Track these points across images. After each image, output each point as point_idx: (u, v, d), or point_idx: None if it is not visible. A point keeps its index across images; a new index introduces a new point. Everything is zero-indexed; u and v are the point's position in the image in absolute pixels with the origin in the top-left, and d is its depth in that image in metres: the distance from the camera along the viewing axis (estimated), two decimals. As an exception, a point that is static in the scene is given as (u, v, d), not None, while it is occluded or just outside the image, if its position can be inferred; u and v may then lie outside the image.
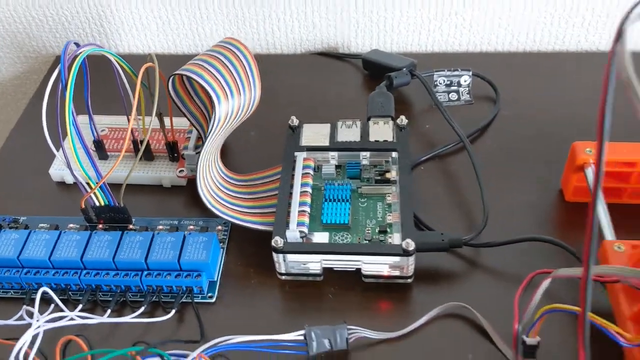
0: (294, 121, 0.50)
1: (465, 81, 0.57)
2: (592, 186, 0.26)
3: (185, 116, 0.47)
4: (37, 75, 0.71)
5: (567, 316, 0.40)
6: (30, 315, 0.40)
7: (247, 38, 0.65)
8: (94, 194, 0.44)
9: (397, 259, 0.42)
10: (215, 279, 0.44)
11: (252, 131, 0.55)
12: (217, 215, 0.45)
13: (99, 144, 0.52)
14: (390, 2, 0.61)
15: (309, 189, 0.46)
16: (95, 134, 0.51)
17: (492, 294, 0.42)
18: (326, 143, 0.49)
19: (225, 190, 0.47)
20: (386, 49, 0.63)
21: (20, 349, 0.35)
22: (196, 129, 0.47)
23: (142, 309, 0.42)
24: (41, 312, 0.41)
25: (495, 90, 0.57)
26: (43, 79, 0.66)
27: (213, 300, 0.44)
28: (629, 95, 0.23)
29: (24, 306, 0.41)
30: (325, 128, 0.50)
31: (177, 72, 0.44)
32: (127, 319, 0.42)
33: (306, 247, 0.42)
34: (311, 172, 0.47)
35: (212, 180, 0.46)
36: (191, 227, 0.47)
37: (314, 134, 0.50)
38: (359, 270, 0.43)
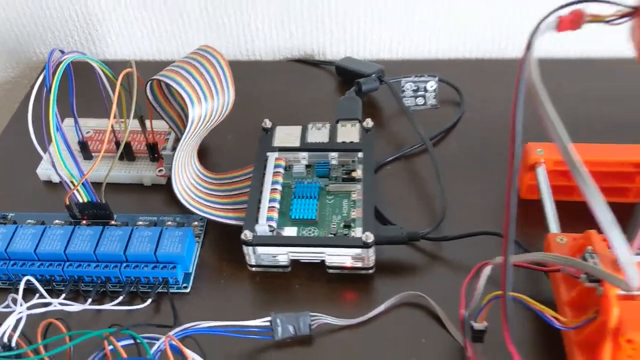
0: (267, 123, 0.53)
1: (431, 87, 0.60)
2: (511, 180, 0.29)
3: (163, 119, 0.51)
4: (28, 80, 0.74)
5: (513, 302, 0.43)
6: (15, 302, 0.43)
7: (227, 45, 0.68)
8: (77, 190, 0.47)
9: (358, 250, 0.45)
10: (190, 271, 0.48)
11: (229, 133, 0.58)
12: (192, 212, 0.48)
13: (83, 145, 0.55)
14: (363, 12, 0.65)
15: (279, 187, 0.49)
16: (80, 135, 0.54)
17: (447, 284, 0.45)
18: (297, 144, 0.52)
19: (200, 188, 0.50)
20: (358, 56, 0.66)
21: (5, 332, 0.38)
22: (173, 130, 0.51)
23: (120, 298, 0.45)
24: (27, 301, 0.44)
25: (460, 95, 0.61)
26: (33, 84, 0.69)
27: (188, 290, 0.47)
28: (534, 99, 0.27)
29: (10, 295, 0.44)
30: (297, 130, 0.53)
31: (154, 77, 0.47)
32: (106, 306, 0.45)
33: (273, 240, 0.45)
34: (282, 171, 0.50)
35: (187, 178, 0.49)
36: (169, 222, 0.50)
37: (286, 135, 0.53)
38: (324, 262, 0.46)
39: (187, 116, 0.47)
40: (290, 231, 0.47)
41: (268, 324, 0.42)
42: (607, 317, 0.35)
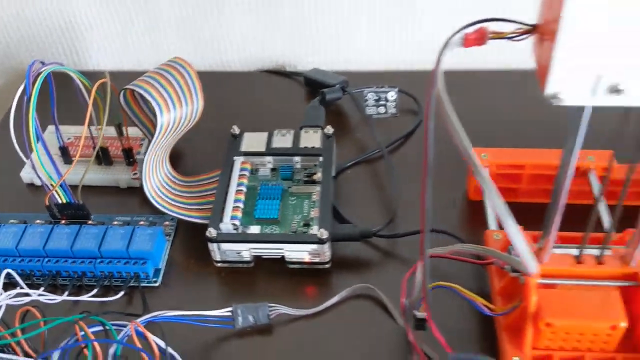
0: (235, 130, 0.57)
1: (392, 97, 0.64)
2: (425, 183, 0.33)
3: (137, 125, 0.54)
4: (16, 89, 0.78)
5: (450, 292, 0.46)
6: (-4, 293, 0.47)
7: (203, 56, 0.72)
8: (56, 191, 0.51)
9: (314, 246, 0.49)
10: (160, 266, 0.51)
11: (203, 138, 0.62)
12: (161, 211, 0.52)
13: (64, 150, 0.58)
14: (330, 27, 0.69)
15: (243, 188, 0.53)
16: (60, 141, 0.58)
17: (397, 277, 0.48)
18: (262, 149, 0.56)
19: (170, 190, 0.53)
20: (326, 68, 0.70)
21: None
22: (146, 136, 0.54)
23: (95, 291, 0.49)
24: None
25: (418, 104, 0.65)
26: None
27: (157, 284, 0.50)
28: (441, 110, 0.31)
29: (-9, 287, 0.48)
30: (263, 136, 0.57)
31: (127, 87, 0.51)
32: (82, 298, 0.49)
33: (236, 237, 0.49)
34: (247, 174, 0.54)
35: (158, 180, 0.53)
36: (142, 222, 0.54)
37: (253, 141, 0.57)
38: (284, 257, 0.50)
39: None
40: (254, 229, 0.51)
41: (229, 314, 0.46)
42: (527, 303, 0.38)
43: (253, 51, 0.72)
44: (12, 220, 0.55)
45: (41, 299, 0.48)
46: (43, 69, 0.49)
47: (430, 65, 0.31)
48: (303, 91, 0.69)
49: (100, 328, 0.42)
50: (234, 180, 0.53)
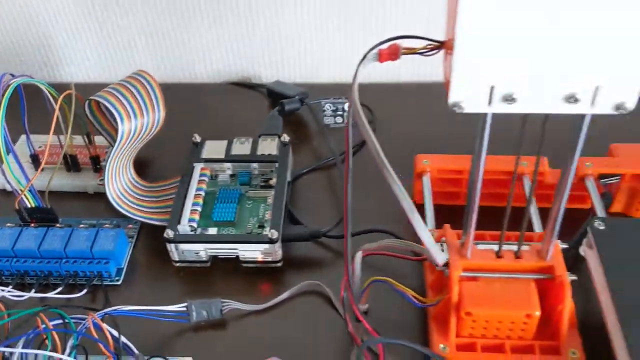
0: (197, 138, 0.61)
1: (348, 107, 0.68)
2: (347, 188, 0.37)
3: (102, 134, 0.58)
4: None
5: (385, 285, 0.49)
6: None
7: (172, 69, 0.76)
8: (25, 196, 0.54)
9: (266, 246, 0.52)
10: (122, 266, 0.54)
11: (169, 146, 0.65)
12: (123, 214, 0.55)
13: (35, 158, 0.62)
14: (291, 42, 0.73)
15: (202, 193, 0.56)
16: (31, 149, 0.61)
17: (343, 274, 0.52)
18: (221, 156, 0.59)
19: (133, 194, 0.57)
20: (289, 80, 0.74)
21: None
22: (110, 144, 0.58)
23: (60, 289, 0.52)
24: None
25: (373, 114, 0.69)
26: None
27: (119, 282, 0.53)
28: (356, 118, 0.34)
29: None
30: (223, 144, 0.61)
31: (90, 97, 0.54)
32: (48, 294, 0.52)
33: (192, 238, 0.53)
34: (206, 179, 0.58)
35: (122, 185, 0.56)
36: (107, 225, 0.57)
37: (213, 148, 0.60)
38: (238, 257, 0.53)
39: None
40: (211, 231, 0.54)
41: (184, 309, 0.49)
42: (451, 294, 0.42)
43: (220, 64, 0.76)
44: (-16, 224, 0.58)
45: (8, 295, 0.51)
46: (12, 81, 0.52)
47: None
48: (266, 102, 0.73)
49: (61, 321, 0.45)
50: (193, 185, 0.56)
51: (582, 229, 0.47)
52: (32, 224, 0.57)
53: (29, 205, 0.56)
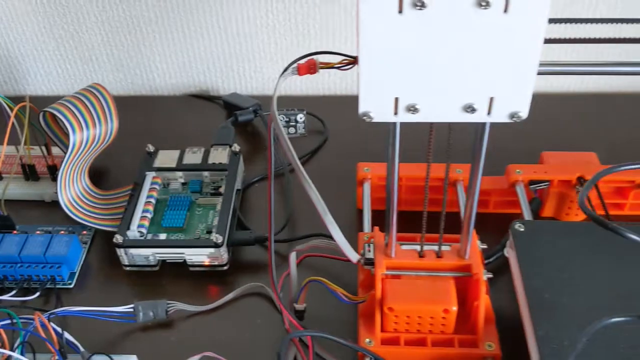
0: (150, 148, 0.63)
1: (300, 118, 0.71)
2: (270, 194, 0.40)
3: (57, 145, 0.60)
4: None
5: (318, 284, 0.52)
6: None
7: (132, 82, 0.79)
8: (-20, 204, 0.57)
9: (212, 250, 0.55)
10: (75, 270, 0.57)
11: (127, 156, 0.68)
12: (76, 221, 0.58)
13: (-6, 168, 0.64)
14: (247, 56, 0.76)
15: (153, 200, 0.59)
16: (-9, 159, 0.64)
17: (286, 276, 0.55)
18: (173, 165, 0.62)
19: (87, 202, 0.59)
20: (246, 92, 0.77)
21: None
22: (65, 154, 0.60)
23: (14, 292, 0.54)
24: None
25: (324, 125, 0.72)
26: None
27: (72, 286, 0.56)
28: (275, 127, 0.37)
29: None
30: (176, 153, 0.63)
31: (44, 109, 0.57)
32: (2, 297, 0.54)
33: (140, 243, 0.55)
34: (157, 187, 0.60)
35: (75, 193, 0.59)
36: (62, 232, 0.60)
37: (166, 158, 0.63)
38: (186, 261, 0.56)
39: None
40: (161, 237, 0.57)
41: (131, 310, 0.52)
42: (375, 291, 0.45)
43: (179, 77, 0.79)
44: (-57, 231, 0.60)
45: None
46: (-32, 94, 0.55)
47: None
48: (223, 113, 0.75)
49: (9, 321, 0.47)
50: (144, 193, 0.59)
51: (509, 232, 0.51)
52: (-10, 231, 0.59)
53: (-14, 213, 0.58)
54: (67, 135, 0.60)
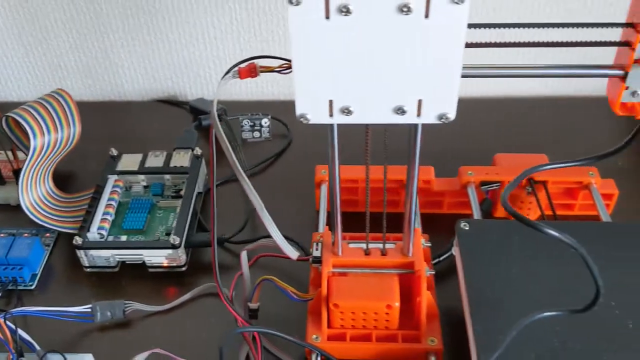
0: (113, 152, 0.65)
1: (265, 123, 0.72)
2: (213, 196, 0.41)
3: (21, 150, 0.61)
4: None
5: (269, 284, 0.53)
6: None
7: (102, 89, 0.80)
8: (-56, 208, 0.58)
9: (169, 251, 0.56)
10: (37, 272, 0.58)
11: (92, 160, 0.69)
12: (38, 224, 0.59)
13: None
14: (213, 62, 0.78)
15: (114, 203, 0.60)
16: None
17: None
18: (135, 168, 0.63)
19: (50, 205, 0.61)
20: (212, 97, 0.78)
21: None
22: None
23: (-25, 294, 0.55)
24: None
25: (288, 129, 0.73)
26: None
27: (33, 287, 0.57)
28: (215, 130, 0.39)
29: None
30: (139, 157, 0.65)
31: (6, 114, 0.58)
32: (-38, 299, 0.55)
33: (99, 244, 0.56)
34: (119, 190, 0.61)
35: (38, 196, 0.60)
36: (25, 234, 0.61)
37: (129, 161, 0.64)
38: (145, 262, 0.57)
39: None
40: (122, 238, 0.58)
41: (89, 310, 0.53)
42: (322, 289, 0.46)
43: (147, 83, 0.80)
44: None
45: None
46: None
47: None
48: (189, 118, 0.77)
49: (-34, 321, 0.48)
50: (106, 195, 0.60)
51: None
52: (-45, 235, 0.61)
53: (-50, 217, 0.59)
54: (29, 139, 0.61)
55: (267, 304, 0.53)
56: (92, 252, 0.56)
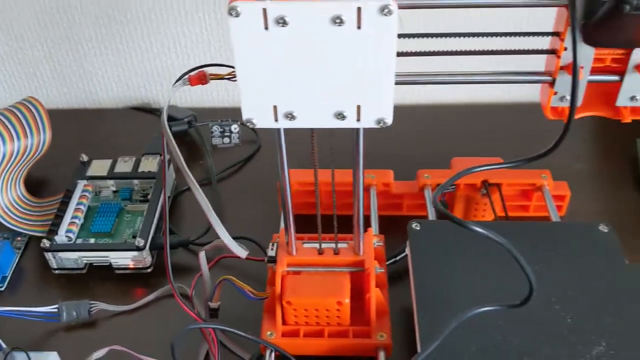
0: (84, 157, 0.66)
1: (235, 129, 0.74)
2: (165, 201, 0.43)
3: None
4: None
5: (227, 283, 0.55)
6: None
7: (76, 96, 0.82)
8: None
9: (135, 253, 0.58)
10: (7, 274, 0.60)
11: (66, 166, 0.71)
12: (9, 228, 0.61)
13: None
14: (184, 70, 0.79)
15: (82, 207, 0.62)
16: None
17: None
18: (104, 173, 0.65)
19: (20, 209, 0.62)
20: (185, 105, 0.80)
21: None
22: None
23: (-55, 296, 0.57)
24: None
25: (257, 135, 0.75)
26: None
27: (3, 289, 0.59)
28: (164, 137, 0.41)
29: None
30: (108, 162, 0.66)
31: (-24, 121, 0.60)
32: None
33: (66, 247, 0.58)
34: (88, 195, 0.63)
35: (8, 201, 0.62)
36: (-3, 238, 0.63)
37: (99, 167, 0.66)
38: (111, 264, 0.59)
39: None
40: (90, 241, 0.60)
41: (56, 310, 0.55)
42: (275, 286, 0.48)
43: (121, 91, 0.82)
44: None
45: None
46: None
47: None
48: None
49: None
50: (75, 199, 0.62)
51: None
52: None
53: None
54: (0, 146, 0.63)
55: (228, 303, 0.55)
56: (60, 254, 0.58)
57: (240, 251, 0.44)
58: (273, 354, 0.48)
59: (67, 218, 0.60)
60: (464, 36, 0.42)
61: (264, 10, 0.36)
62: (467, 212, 0.63)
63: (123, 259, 0.58)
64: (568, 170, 0.69)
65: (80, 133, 0.78)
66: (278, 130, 0.43)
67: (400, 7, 0.36)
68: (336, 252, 0.50)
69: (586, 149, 0.75)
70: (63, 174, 0.71)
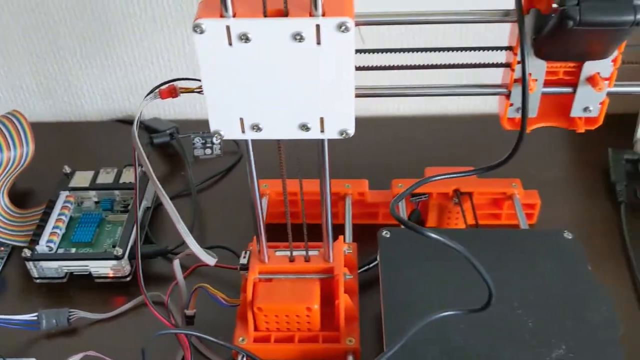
0: (67, 169, 0.68)
1: (216, 140, 0.76)
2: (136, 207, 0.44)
3: (-25, 167, 0.65)
4: None
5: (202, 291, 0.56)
6: None
7: (62, 109, 0.84)
8: None
9: (114, 262, 0.59)
10: (-10, 284, 0.61)
11: (50, 177, 0.72)
12: (-10, 238, 0.62)
13: None
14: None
15: (64, 218, 0.63)
16: None
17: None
18: (86, 185, 0.66)
19: (4, 220, 0.64)
20: (168, 117, 0.82)
21: None
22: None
23: None
24: None
25: (238, 146, 0.77)
26: None
27: (-15, 298, 0.60)
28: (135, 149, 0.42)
29: None
30: (90, 174, 0.68)
31: (-41, 134, 0.62)
32: None
33: (47, 256, 0.59)
34: (70, 205, 0.65)
35: (-8, 212, 0.63)
36: (-20, 248, 0.64)
37: (81, 178, 0.67)
38: (91, 273, 0.60)
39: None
40: (72, 251, 0.61)
41: (35, 318, 0.56)
42: (247, 293, 0.50)
43: (105, 104, 0.84)
44: None
45: None
46: None
47: None
48: (145, 137, 0.80)
49: None
50: (56, 210, 0.63)
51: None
52: None
53: None
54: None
55: (204, 310, 0.56)
56: (42, 263, 0.59)
57: (209, 259, 0.45)
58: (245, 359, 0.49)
59: (48, 228, 0.61)
60: (427, 51, 0.44)
61: (227, 27, 0.37)
62: (441, 220, 0.64)
63: (102, 268, 0.60)
64: (540, 178, 0.70)
65: (66, 145, 0.80)
66: (246, 141, 0.44)
67: (358, 24, 0.37)
68: (307, 259, 0.51)
69: (559, 158, 0.76)
70: (47, 185, 0.72)
